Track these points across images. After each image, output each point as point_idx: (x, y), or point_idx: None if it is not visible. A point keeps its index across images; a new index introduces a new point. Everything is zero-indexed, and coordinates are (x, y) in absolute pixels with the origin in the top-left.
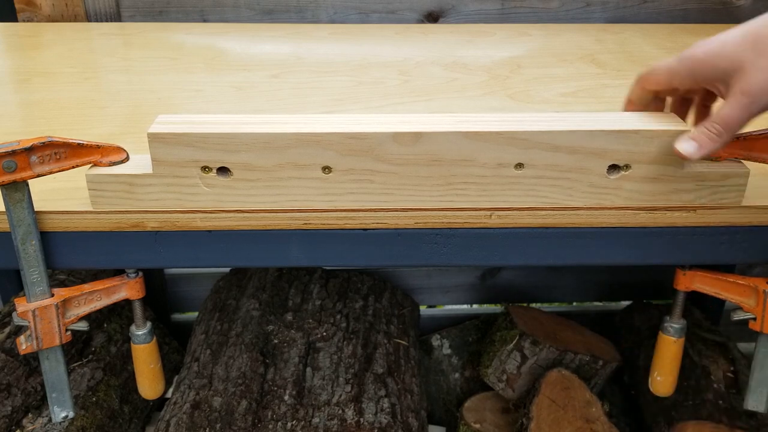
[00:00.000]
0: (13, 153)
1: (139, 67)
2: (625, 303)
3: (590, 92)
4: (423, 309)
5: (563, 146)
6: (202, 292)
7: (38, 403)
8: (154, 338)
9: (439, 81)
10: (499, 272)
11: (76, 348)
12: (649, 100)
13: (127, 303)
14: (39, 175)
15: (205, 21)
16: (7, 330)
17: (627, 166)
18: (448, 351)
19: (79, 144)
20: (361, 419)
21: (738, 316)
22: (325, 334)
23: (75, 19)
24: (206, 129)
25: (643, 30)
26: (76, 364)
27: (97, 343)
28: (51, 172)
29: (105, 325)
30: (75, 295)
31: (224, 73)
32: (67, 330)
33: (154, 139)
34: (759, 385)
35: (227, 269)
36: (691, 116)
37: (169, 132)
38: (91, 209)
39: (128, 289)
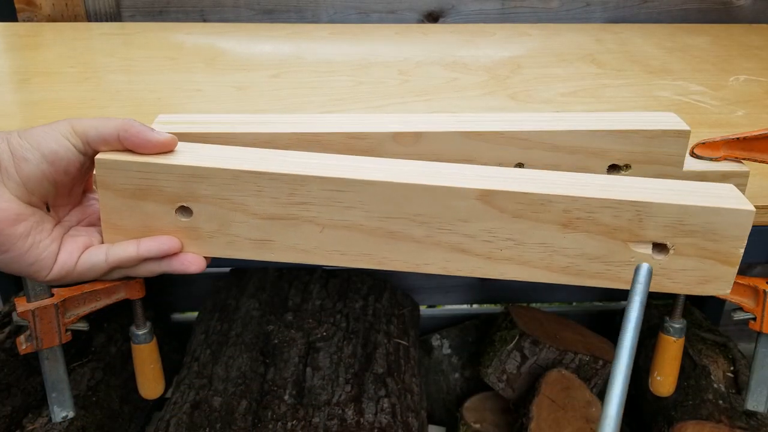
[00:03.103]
0: None
1: (139, 67)
2: (625, 303)
3: (590, 92)
4: (423, 309)
5: (563, 146)
6: (202, 292)
7: (38, 403)
8: (154, 338)
9: (439, 81)
10: None
11: (76, 348)
12: None
13: (127, 303)
14: None
15: (205, 21)
16: (7, 330)
17: (627, 166)
18: (448, 351)
19: None
20: (361, 419)
21: (738, 316)
22: (325, 334)
23: (75, 19)
24: (206, 129)
25: (643, 30)
26: (76, 364)
27: (97, 343)
28: None
29: (105, 325)
30: (75, 295)
31: (224, 73)
32: (67, 330)
33: None
34: (759, 385)
35: (227, 269)
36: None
37: (169, 132)
38: None
39: (128, 289)
